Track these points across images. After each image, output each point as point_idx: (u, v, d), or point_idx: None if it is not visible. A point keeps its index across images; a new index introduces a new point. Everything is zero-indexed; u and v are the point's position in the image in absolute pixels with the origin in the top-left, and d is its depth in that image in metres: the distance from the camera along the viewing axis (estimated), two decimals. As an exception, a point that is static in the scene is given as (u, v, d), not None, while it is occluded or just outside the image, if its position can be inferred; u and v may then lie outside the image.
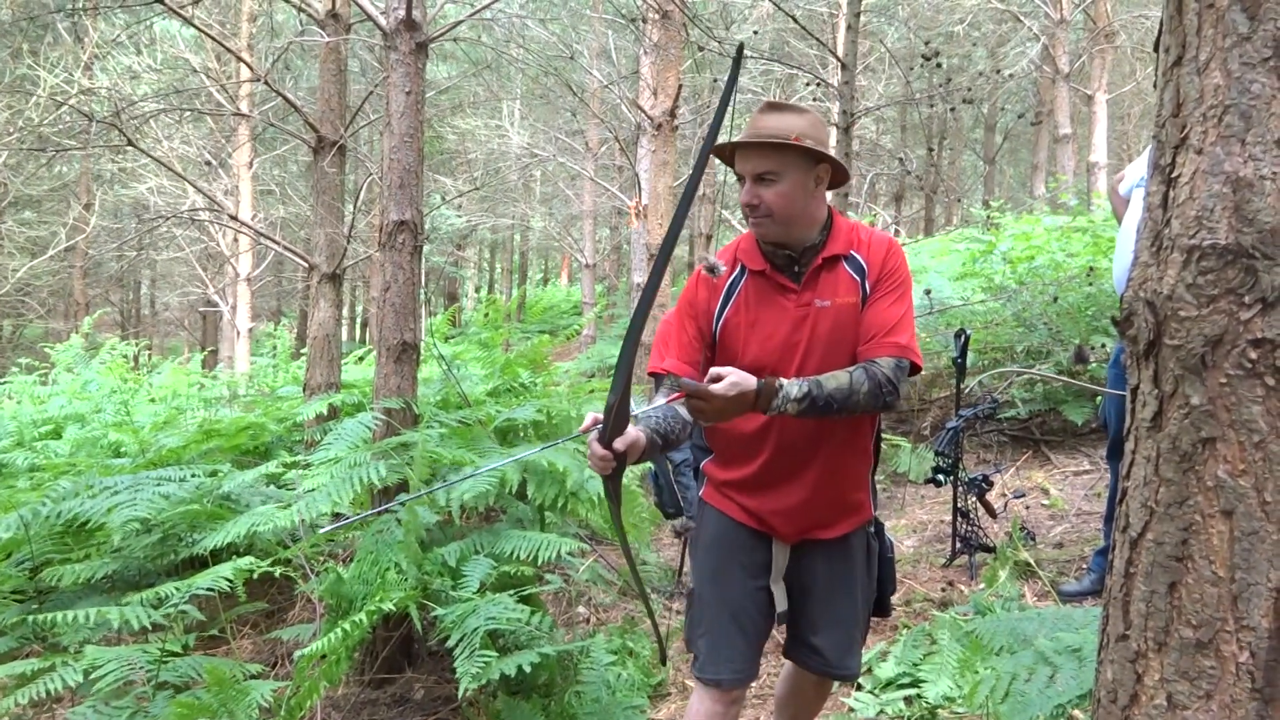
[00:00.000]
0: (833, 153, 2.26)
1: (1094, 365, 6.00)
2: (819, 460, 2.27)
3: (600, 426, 1.99)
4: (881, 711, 3.32)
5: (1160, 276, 1.28)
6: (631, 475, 4.27)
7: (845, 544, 2.37)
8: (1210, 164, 1.23)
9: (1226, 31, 1.22)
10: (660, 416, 2.19)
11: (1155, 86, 1.35)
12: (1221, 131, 1.22)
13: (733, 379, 2.02)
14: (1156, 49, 1.36)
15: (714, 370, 2.05)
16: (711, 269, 2.28)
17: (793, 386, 2.06)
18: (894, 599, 4.44)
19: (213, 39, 6.87)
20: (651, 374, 2.38)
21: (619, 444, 1.98)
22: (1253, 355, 1.19)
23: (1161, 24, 1.35)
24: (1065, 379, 5.76)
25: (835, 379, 2.09)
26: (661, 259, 1.97)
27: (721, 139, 2.12)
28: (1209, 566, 1.23)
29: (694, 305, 2.34)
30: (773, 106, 2.26)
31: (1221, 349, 1.21)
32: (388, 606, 3.20)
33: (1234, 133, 1.21)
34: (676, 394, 2.13)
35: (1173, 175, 1.28)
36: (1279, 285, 1.17)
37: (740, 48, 2.01)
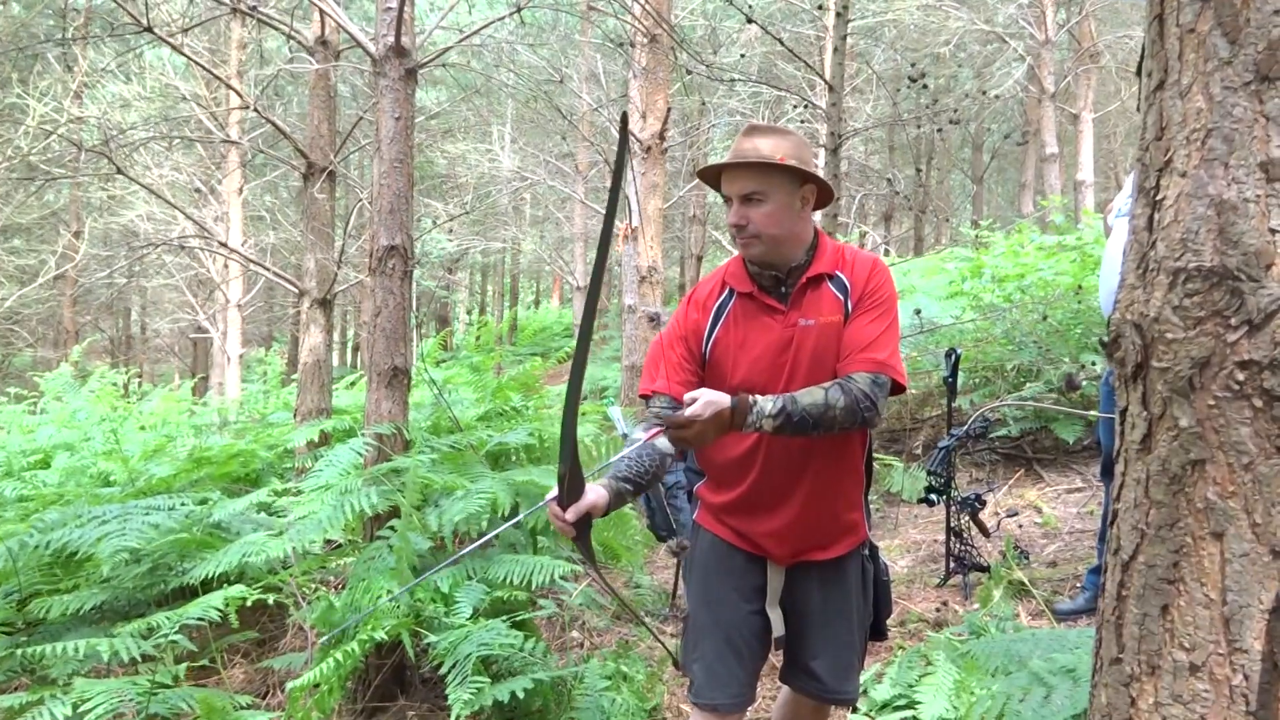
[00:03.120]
0: (819, 172, 2.28)
1: (1086, 384, 6.01)
2: (808, 480, 2.26)
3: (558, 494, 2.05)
4: (878, 734, 3.30)
5: (1147, 299, 1.28)
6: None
7: (840, 567, 2.36)
8: (1194, 187, 1.23)
9: (1208, 56, 1.23)
10: (633, 458, 2.20)
11: (1139, 110, 1.37)
12: (1205, 155, 1.23)
13: (706, 399, 2.04)
14: (1139, 73, 1.37)
15: (687, 395, 2.07)
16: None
17: (768, 403, 2.07)
18: (889, 620, 4.44)
19: (202, 67, 6.89)
20: (643, 396, 2.38)
21: (571, 514, 2.04)
22: (1240, 377, 1.20)
23: (1144, 48, 1.36)
24: (1059, 408, 5.78)
25: (810, 395, 2.10)
26: (584, 338, 2.03)
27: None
28: (1200, 589, 1.23)
29: (684, 326, 2.35)
30: (757, 129, 2.29)
31: (1209, 371, 1.22)
32: (380, 635, 3.18)
33: (1217, 156, 1.22)
34: (655, 430, 2.15)
35: (1157, 198, 1.29)
36: (1264, 307, 1.18)
37: (624, 116, 2.06)
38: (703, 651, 2.32)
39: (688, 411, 2.03)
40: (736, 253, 2.39)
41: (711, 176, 2.34)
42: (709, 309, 2.34)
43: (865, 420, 2.14)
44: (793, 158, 2.22)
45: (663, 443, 2.22)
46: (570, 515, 2.04)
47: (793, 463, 2.25)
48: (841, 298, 2.25)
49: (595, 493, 2.10)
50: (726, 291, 2.34)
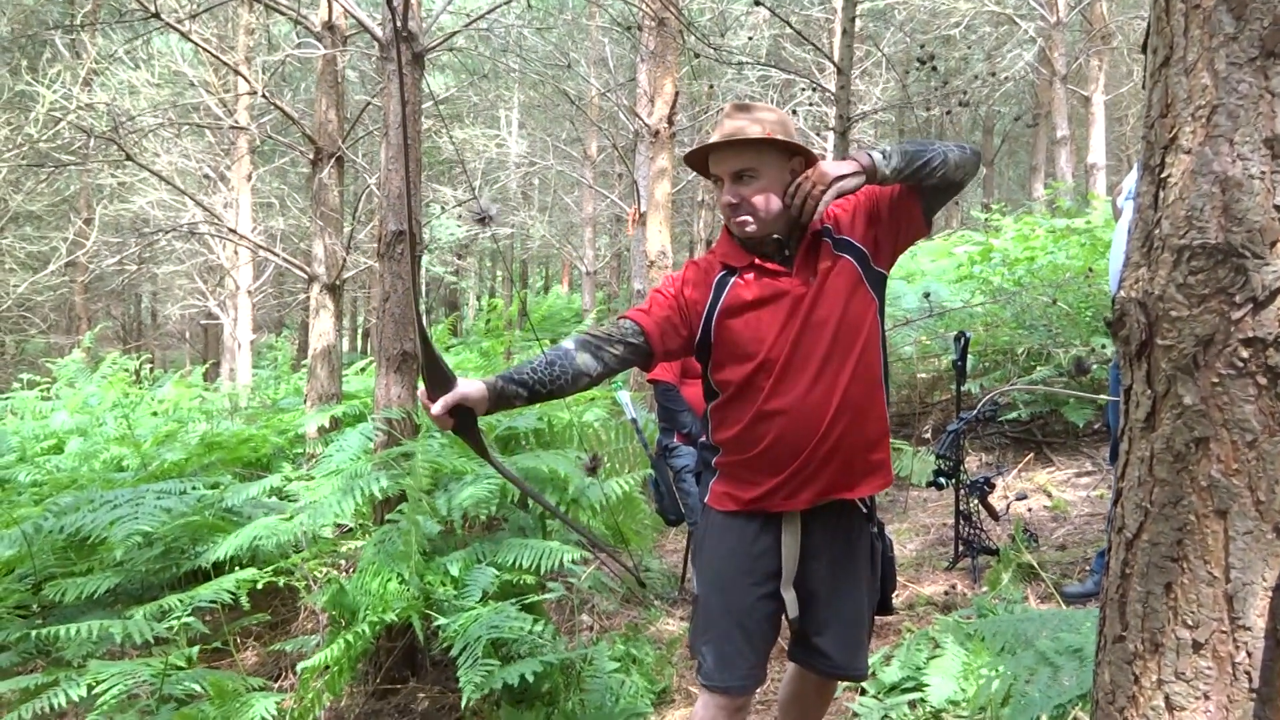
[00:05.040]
0: (801, 141, 2.28)
1: (1096, 368, 6.00)
2: (833, 439, 2.22)
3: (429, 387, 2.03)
4: (886, 716, 3.31)
5: (1151, 277, 1.28)
6: (633, 482, 4.27)
7: (850, 545, 2.35)
8: (1199, 164, 1.23)
9: (1213, 32, 1.22)
10: (540, 365, 2.15)
11: (1144, 87, 1.36)
12: (1210, 131, 1.22)
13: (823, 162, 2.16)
14: (1144, 50, 1.37)
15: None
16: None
17: (885, 155, 2.17)
18: (898, 602, 4.45)
19: (210, 53, 6.89)
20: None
21: (438, 406, 2.01)
22: (1244, 354, 1.19)
23: (1149, 25, 1.35)
24: (1069, 391, 5.76)
25: (909, 143, 2.20)
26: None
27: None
28: (1204, 566, 1.23)
29: (680, 298, 2.31)
30: (739, 107, 2.27)
31: (1213, 349, 1.22)
32: (390, 617, 3.20)
33: (1222, 132, 1.21)
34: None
35: (1162, 176, 1.28)
36: (1269, 284, 1.17)
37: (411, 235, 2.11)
38: (713, 635, 2.31)
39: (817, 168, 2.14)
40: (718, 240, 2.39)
41: (699, 161, 2.34)
42: (708, 287, 2.30)
43: (975, 151, 2.27)
44: (779, 132, 2.22)
45: (583, 360, 2.16)
46: (437, 408, 2.01)
47: (813, 426, 2.21)
48: (829, 242, 2.27)
49: (470, 385, 2.06)
50: (724, 270, 2.31)
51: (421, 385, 2.04)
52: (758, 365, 2.23)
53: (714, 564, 2.36)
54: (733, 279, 2.28)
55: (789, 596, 2.31)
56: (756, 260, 2.27)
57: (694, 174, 13.68)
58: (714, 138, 2.26)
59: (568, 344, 2.20)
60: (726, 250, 2.33)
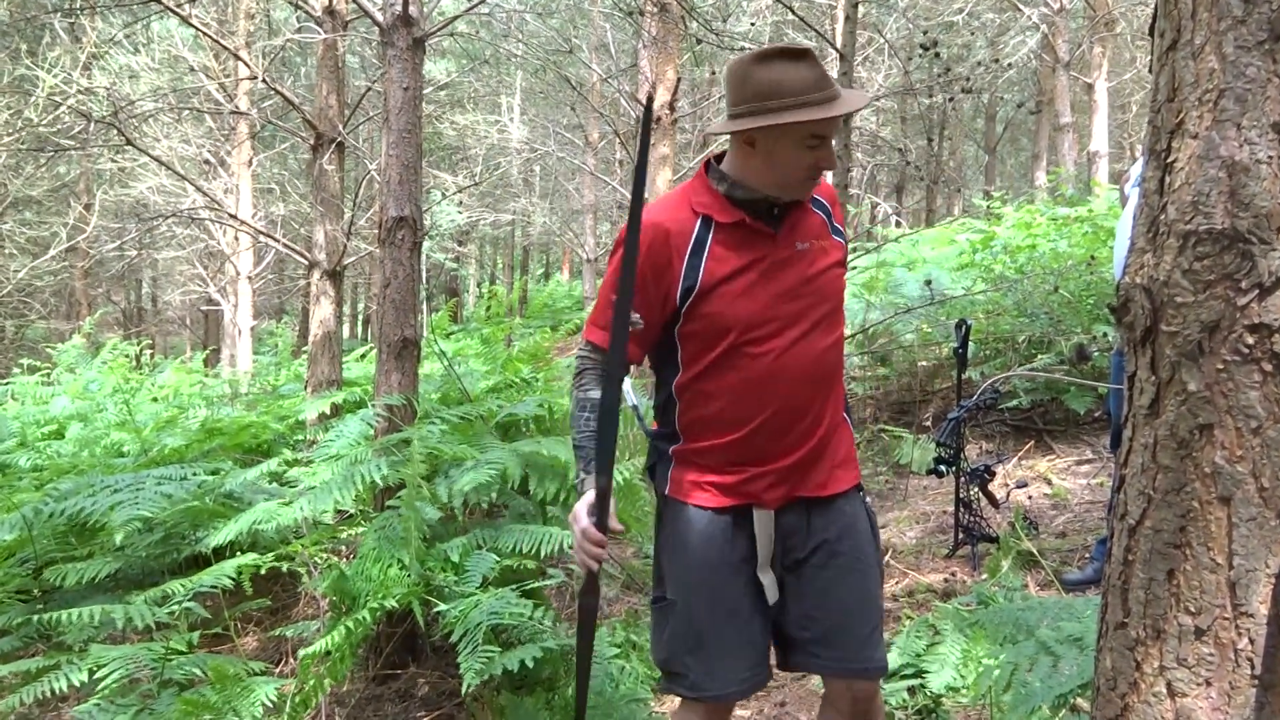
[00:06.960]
0: None
1: (1097, 355, 5.99)
2: (815, 412, 2.06)
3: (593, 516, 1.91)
4: (885, 703, 3.32)
5: (1157, 262, 1.27)
6: (633, 469, 4.26)
7: (846, 511, 2.11)
8: (1206, 148, 1.22)
9: (1221, 15, 1.21)
10: (589, 433, 2.04)
11: (1150, 71, 1.35)
12: (1217, 115, 1.21)
13: None
14: (1151, 33, 1.36)
15: None
16: None
17: None
18: (898, 589, 4.45)
19: (210, 37, 6.86)
20: (589, 341, 2.16)
21: (614, 523, 1.93)
22: (1249, 341, 1.19)
23: (1156, 8, 1.34)
24: (1070, 379, 5.75)
25: None
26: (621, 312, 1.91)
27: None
28: (1207, 553, 1.22)
29: (644, 276, 2.02)
30: (807, 57, 1.94)
31: (1218, 335, 1.21)
32: (391, 603, 3.20)
33: (1229, 117, 1.20)
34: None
35: (1168, 160, 1.27)
36: (1275, 270, 1.17)
37: (650, 97, 2.00)
38: (699, 638, 2.05)
39: None
40: (686, 184, 2.17)
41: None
42: (682, 249, 2.02)
43: None
44: None
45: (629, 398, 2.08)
46: (614, 523, 1.92)
47: (804, 395, 2.04)
48: (825, 219, 2.13)
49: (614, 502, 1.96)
50: (699, 223, 2.03)
51: (589, 517, 1.91)
52: (738, 335, 2.01)
53: (692, 559, 2.08)
54: (710, 236, 2.03)
55: (767, 579, 2.07)
56: (747, 219, 2.03)
57: (696, 161, 13.62)
58: (817, 95, 1.92)
59: (593, 393, 2.06)
60: (708, 200, 2.05)
